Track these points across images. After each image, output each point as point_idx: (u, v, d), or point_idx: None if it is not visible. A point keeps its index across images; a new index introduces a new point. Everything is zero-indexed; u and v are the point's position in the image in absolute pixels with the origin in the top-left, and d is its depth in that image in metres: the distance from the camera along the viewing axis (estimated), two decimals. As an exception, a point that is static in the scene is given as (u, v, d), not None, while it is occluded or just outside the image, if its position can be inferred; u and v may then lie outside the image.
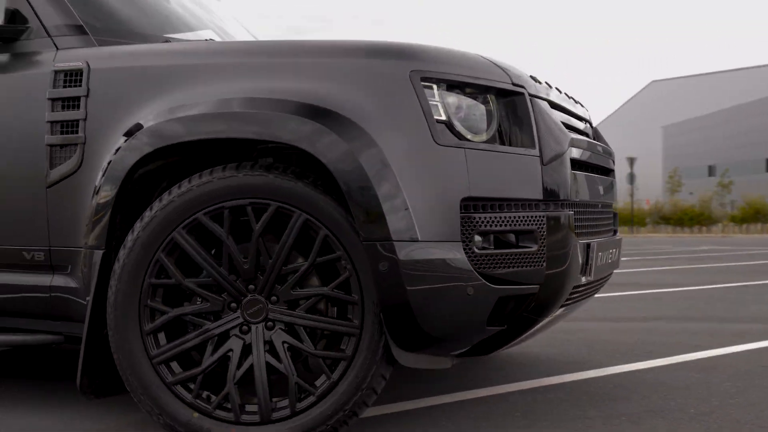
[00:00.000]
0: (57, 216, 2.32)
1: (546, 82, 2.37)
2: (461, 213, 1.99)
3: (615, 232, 2.84)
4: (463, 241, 1.98)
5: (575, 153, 2.26)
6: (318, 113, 2.02)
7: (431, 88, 2.06)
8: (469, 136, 2.06)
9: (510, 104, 2.14)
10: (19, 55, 2.48)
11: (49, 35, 2.46)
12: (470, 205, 2.01)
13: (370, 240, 1.96)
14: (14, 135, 2.42)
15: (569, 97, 2.61)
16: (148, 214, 2.11)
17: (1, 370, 3.37)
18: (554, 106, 2.30)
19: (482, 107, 2.12)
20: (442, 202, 1.99)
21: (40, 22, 2.47)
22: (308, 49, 2.20)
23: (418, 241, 1.96)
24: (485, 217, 2.00)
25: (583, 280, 2.27)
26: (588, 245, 2.27)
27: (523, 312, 2.10)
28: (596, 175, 2.51)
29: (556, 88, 2.46)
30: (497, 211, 2.03)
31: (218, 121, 2.09)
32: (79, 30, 2.46)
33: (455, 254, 1.97)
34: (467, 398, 2.79)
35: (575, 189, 2.23)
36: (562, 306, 2.23)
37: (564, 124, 2.29)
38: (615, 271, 2.80)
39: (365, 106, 2.04)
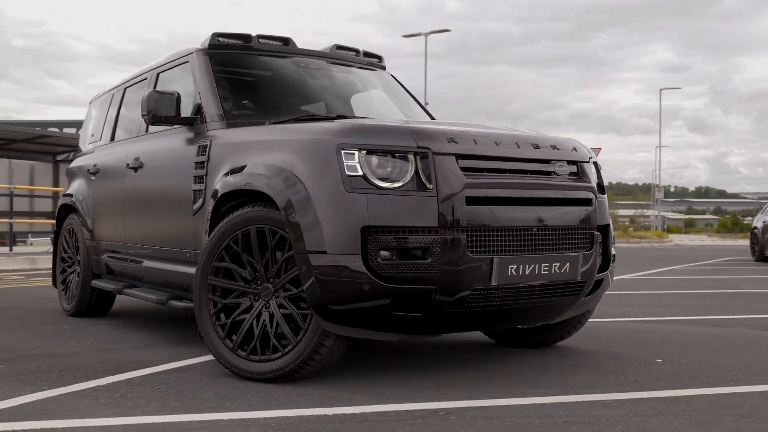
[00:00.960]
0: (196, 232, 3.98)
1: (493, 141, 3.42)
2: (362, 236, 3.06)
3: (590, 248, 3.60)
4: (362, 254, 3.06)
5: (481, 192, 3.24)
6: (279, 173, 3.33)
7: (353, 153, 3.17)
8: (381, 184, 3.13)
9: (419, 160, 3.18)
10: (193, 133, 4.19)
11: (204, 121, 4.15)
12: (371, 230, 3.08)
13: (296, 251, 3.20)
14: (184, 183, 4.11)
15: (534, 146, 3.54)
16: (216, 228, 3.57)
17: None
18: (468, 156, 3.29)
19: (394, 163, 3.18)
20: (347, 229, 3.09)
21: (204, 113, 4.17)
22: (292, 132, 3.53)
23: (326, 253, 3.09)
24: (385, 239, 3.08)
25: (493, 283, 3.19)
26: (492, 259, 3.18)
27: (431, 304, 3.12)
28: (532, 206, 3.40)
29: (496, 141, 3.43)
30: (396, 234, 3.09)
31: (244, 177, 3.54)
32: (219, 117, 4.09)
33: (354, 262, 3.07)
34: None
35: (477, 217, 3.19)
36: (479, 303, 3.24)
37: (485, 169, 3.31)
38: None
39: (308, 168, 3.24)
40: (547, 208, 3.46)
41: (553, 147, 3.63)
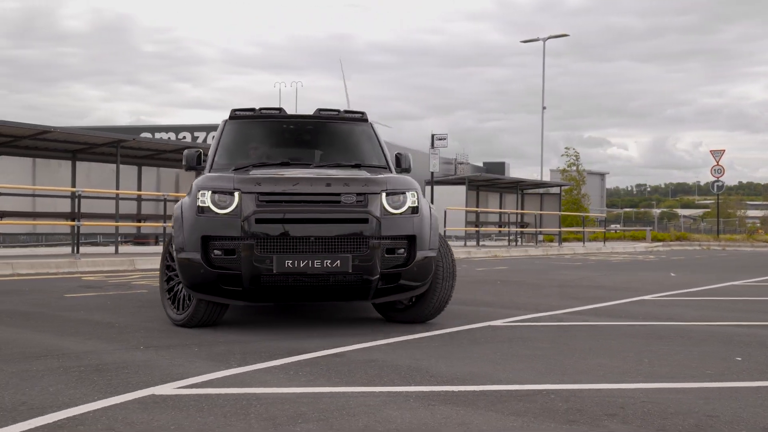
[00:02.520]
0: None
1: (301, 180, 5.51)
2: (201, 241, 5.26)
3: (364, 251, 5.26)
4: (200, 251, 5.26)
5: (266, 215, 5.24)
6: (178, 206, 5.73)
7: (205, 193, 5.39)
8: (218, 211, 5.31)
9: (237, 196, 5.33)
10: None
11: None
12: (206, 238, 5.28)
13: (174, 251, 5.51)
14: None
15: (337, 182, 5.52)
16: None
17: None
18: (267, 193, 5.34)
19: (228, 198, 5.34)
20: (195, 236, 5.30)
21: (204, 162, 6.50)
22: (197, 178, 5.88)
23: (183, 250, 5.34)
24: (213, 243, 5.25)
25: (275, 271, 5.14)
26: (272, 256, 5.15)
27: (241, 282, 5.21)
28: (308, 224, 5.26)
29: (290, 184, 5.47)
30: (218, 240, 5.24)
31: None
32: (210, 165, 6.38)
33: (195, 256, 5.27)
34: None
35: (263, 231, 5.21)
36: (271, 283, 5.23)
37: (280, 201, 5.34)
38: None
39: (186, 201, 5.62)
40: (324, 225, 5.28)
41: (345, 184, 5.45)
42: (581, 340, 5.28)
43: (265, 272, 5.16)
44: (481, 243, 26.26)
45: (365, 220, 5.31)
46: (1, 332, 5.34)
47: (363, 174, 5.74)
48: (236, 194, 5.31)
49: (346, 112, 6.95)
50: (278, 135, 6.94)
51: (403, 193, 5.53)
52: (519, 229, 27.90)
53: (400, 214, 5.45)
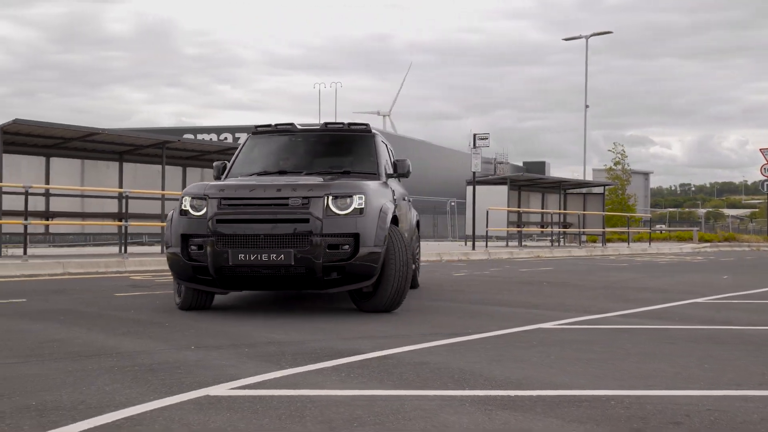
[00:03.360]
0: None
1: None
2: (181, 239, 6.36)
3: (304, 246, 6.12)
4: (180, 247, 6.36)
5: (224, 216, 6.26)
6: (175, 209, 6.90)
7: (186, 198, 6.49)
8: (194, 213, 6.37)
9: (207, 201, 6.38)
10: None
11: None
12: (185, 236, 6.37)
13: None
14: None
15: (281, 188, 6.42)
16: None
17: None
18: (227, 198, 6.34)
19: (202, 202, 6.38)
20: (177, 234, 6.41)
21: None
22: None
23: (170, 246, 6.48)
24: (190, 240, 6.33)
25: (230, 263, 6.14)
26: (228, 251, 6.12)
27: (209, 273, 6.24)
28: (258, 223, 6.19)
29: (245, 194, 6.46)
30: (192, 238, 6.33)
31: None
32: (224, 173, 7.70)
33: (177, 251, 6.37)
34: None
35: (221, 230, 6.21)
36: (230, 273, 6.25)
37: (238, 204, 6.32)
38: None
39: (176, 205, 6.76)
40: (270, 224, 6.16)
41: (293, 189, 6.29)
42: (636, 343, 5.16)
43: (224, 264, 6.15)
44: (522, 243, 26.01)
45: (306, 220, 6.14)
46: (56, 331, 5.41)
47: (314, 180, 6.62)
48: (206, 199, 6.36)
49: (351, 124, 7.99)
50: (287, 147, 7.99)
51: (350, 196, 6.27)
52: (562, 230, 27.58)
53: (345, 214, 6.20)
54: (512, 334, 5.52)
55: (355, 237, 6.15)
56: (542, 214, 27.07)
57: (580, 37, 33.32)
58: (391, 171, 7.84)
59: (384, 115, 75.65)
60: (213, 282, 6.34)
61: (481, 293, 8.90)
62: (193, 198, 6.44)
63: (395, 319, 6.32)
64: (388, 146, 8.78)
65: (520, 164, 73.66)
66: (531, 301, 7.97)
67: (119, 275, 11.21)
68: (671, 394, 3.62)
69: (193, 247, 6.29)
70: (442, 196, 37.07)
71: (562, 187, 27.59)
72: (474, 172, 20.01)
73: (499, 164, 67.13)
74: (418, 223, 9.93)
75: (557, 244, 27.26)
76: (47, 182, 14.47)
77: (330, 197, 6.22)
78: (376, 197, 6.46)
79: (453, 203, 34.39)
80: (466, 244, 23.61)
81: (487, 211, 20.78)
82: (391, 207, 6.61)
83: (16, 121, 12.34)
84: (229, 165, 7.79)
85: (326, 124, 7.99)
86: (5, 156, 13.47)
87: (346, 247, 6.13)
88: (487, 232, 21.60)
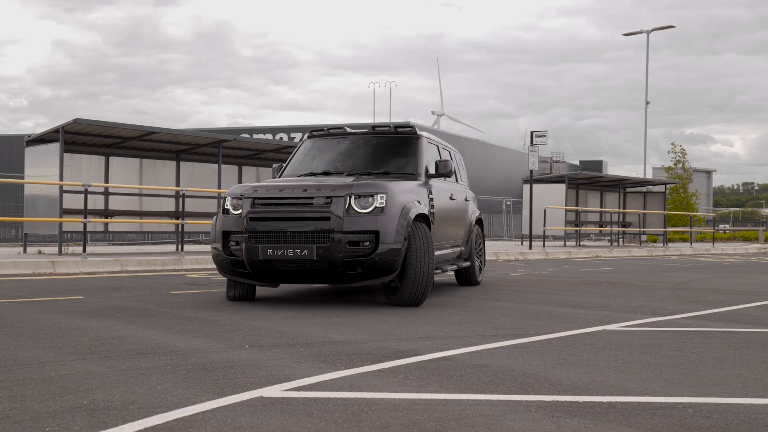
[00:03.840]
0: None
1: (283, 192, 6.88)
2: (222, 235, 6.93)
3: (326, 242, 6.53)
4: (222, 243, 6.92)
5: (257, 214, 6.75)
6: None
7: (228, 199, 7.09)
8: (233, 212, 6.94)
9: (243, 201, 6.91)
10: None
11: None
12: (225, 233, 6.91)
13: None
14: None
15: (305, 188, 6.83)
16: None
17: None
18: (259, 197, 6.83)
19: (237, 203, 6.94)
20: (219, 231, 6.98)
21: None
22: None
23: (214, 242, 7.07)
24: (230, 237, 6.87)
25: (261, 258, 6.65)
26: (259, 246, 6.65)
27: (245, 266, 6.79)
28: (285, 221, 6.64)
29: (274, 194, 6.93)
30: (231, 234, 6.87)
31: None
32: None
33: (219, 246, 6.95)
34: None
35: (254, 227, 6.72)
36: (263, 267, 6.76)
37: (269, 204, 6.80)
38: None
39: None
40: (296, 222, 6.60)
41: (318, 189, 6.67)
42: (710, 348, 4.87)
43: (256, 258, 6.65)
44: (581, 243, 25.50)
45: (327, 218, 6.52)
46: (111, 328, 5.39)
47: (340, 181, 6.91)
48: (242, 199, 6.85)
49: (397, 127, 8.32)
50: (336, 149, 8.34)
51: (372, 195, 6.59)
52: (621, 229, 26.93)
53: (367, 213, 6.52)
54: (576, 336, 5.29)
55: (375, 234, 6.49)
56: (600, 213, 26.47)
57: (640, 32, 32.48)
58: (433, 171, 7.98)
59: (439, 115, 75.31)
60: (249, 275, 6.87)
61: (541, 293, 8.64)
62: (232, 198, 6.97)
63: (454, 319, 6.14)
64: (441, 147, 8.94)
65: (577, 163, 72.43)
66: (594, 302, 7.69)
67: (176, 273, 11.28)
68: (753, 403, 3.37)
69: (232, 243, 6.82)
70: (498, 195, 36.64)
71: (621, 185, 26.92)
72: (531, 171, 19.64)
73: (555, 163, 66.13)
74: (480, 221, 9.94)
75: (616, 244, 26.61)
76: (106, 181, 14.70)
77: (352, 197, 6.56)
78: (399, 196, 6.74)
79: (509, 202, 33.93)
80: (522, 244, 23.21)
81: (545, 210, 20.37)
82: (416, 205, 6.90)
83: (76, 121, 12.54)
84: (284, 166, 8.41)
85: (374, 127, 8.35)
86: (66, 156, 13.72)
87: (367, 243, 6.48)
88: (544, 231, 21.19)
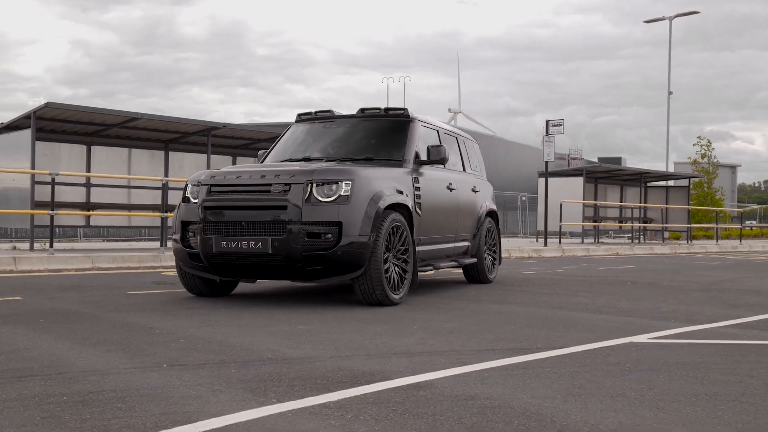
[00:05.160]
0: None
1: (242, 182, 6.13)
2: (181, 226, 6.33)
3: (281, 233, 5.82)
4: (180, 234, 6.34)
5: (211, 203, 6.10)
6: None
7: (188, 186, 6.47)
8: (192, 201, 6.31)
9: (199, 188, 6.29)
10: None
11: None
12: (185, 223, 6.31)
13: None
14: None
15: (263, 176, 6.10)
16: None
17: None
18: (215, 185, 6.17)
19: (195, 190, 6.31)
20: (178, 221, 6.39)
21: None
22: None
23: (174, 234, 6.50)
24: (187, 227, 6.28)
25: (215, 251, 5.99)
26: (212, 237, 6.01)
27: (200, 259, 6.14)
28: (241, 210, 5.99)
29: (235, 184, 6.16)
30: (190, 225, 6.25)
31: None
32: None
33: (177, 237, 6.37)
34: None
35: (208, 216, 6.07)
36: (217, 261, 6.07)
37: (225, 191, 6.14)
38: None
39: None
40: (252, 211, 5.91)
41: (276, 176, 5.98)
42: (772, 369, 3.72)
43: (210, 251, 5.99)
44: (599, 240, 24.27)
45: (284, 207, 5.80)
46: (14, 338, 4.34)
47: (302, 166, 6.13)
48: (200, 186, 6.20)
49: (389, 110, 7.37)
50: (323, 134, 7.54)
51: (336, 182, 5.85)
52: (642, 225, 25.64)
53: (329, 202, 5.79)
54: (596, 352, 4.15)
55: (338, 225, 5.79)
56: (621, 208, 25.18)
57: (662, 19, 31.07)
58: (424, 158, 7.08)
59: (455, 113, 74.12)
60: (206, 268, 6.20)
61: (555, 294, 7.50)
62: (192, 185, 6.36)
63: (445, 327, 5.02)
64: (443, 132, 8.07)
65: (595, 160, 70.94)
66: (616, 305, 6.53)
67: (151, 270, 10.23)
68: None
69: (190, 234, 6.23)
70: (514, 191, 35.41)
71: (643, 179, 25.59)
72: (546, 162, 18.43)
73: (572, 160, 64.81)
74: (493, 213, 9.02)
75: (637, 241, 25.31)
76: (88, 171, 13.66)
77: (314, 184, 5.87)
78: (370, 183, 6.01)
79: (524, 198, 32.69)
80: (537, 241, 22.00)
81: (561, 205, 19.13)
82: (392, 194, 6.19)
83: (48, 105, 11.51)
84: (267, 152, 7.71)
85: (363, 110, 7.48)
86: (42, 144, 12.71)
87: (329, 236, 5.76)
88: (560, 227, 19.94)
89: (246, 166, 6.69)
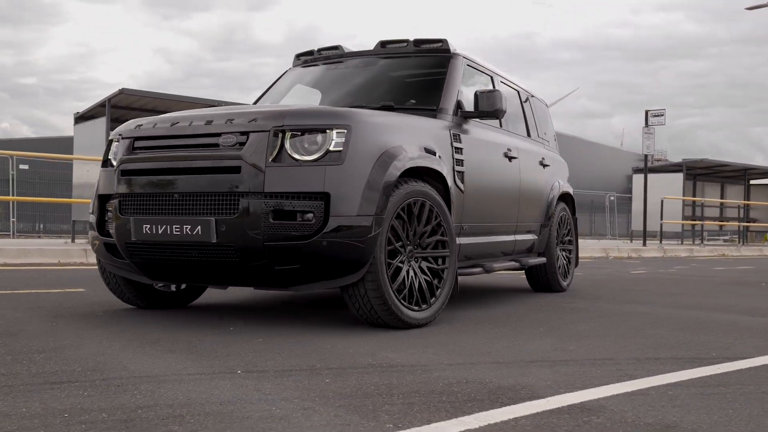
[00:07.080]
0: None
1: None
2: (98, 201, 4.31)
3: (232, 212, 3.63)
4: (96, 214, 4.32)
5: (132, 166, 4.00)
6: None
7: (112, 141, 4.28)
8: (114, 163, 4.16)
9: (116, 143, 4.26)
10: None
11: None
12: (102, 197, 4.28)
13: None
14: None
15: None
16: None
17: None
18: (142, 137, 4.04)
19: (122, 145, 4.13)
20: (95, 195, 4.39)
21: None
22: None
23: (90, 214, 4.42)
24: (104, 204, 4.25)
25: (133, 239, 3.87)
26: (130, 219, 3.89)
27: (120, 253, 4.14)
28: (173, 175, 3.83)
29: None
30: (106, 200, 4.23)
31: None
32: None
33: (93, 219, 4.35)
34: None
35: (127, 187, 4.00)
36: (136, 255, 4.00)
37: (152, 147, 4.01)
38: None
39: None
40: (189, 176, 3.75)
41: (228, 121, 3.75)
42: None
43: (128, 239, 3.92)
44: (702, 241, 22.65)
45: (237, 169, 3.63)
46: (58, 331, 3.61)
47: (269, 108, 4.00)
48: (122, 141, 4.10)
49: (420, 41, 5.20)
50: (325, 79, 5.57)
51: (323, 131, 3.66)
52: (746, 224, 23.84)
53: (311, 161, 3.61)
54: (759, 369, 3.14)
55: (324, 198, 3.57)
56: (721, 207, 23.49)
57: (765, 6, 29.03)
58: (470, 109, 4.87)
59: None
60: (132, 267, 4.11)
61: (684, 295, 6.43)
62: (114, 141, 4.21)
63: (579, 329, 4.07)
64: (498, 80, 5.76)
65: (679, 162, 68.12)
66: (764, 308, 5.45)
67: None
68: None
69: (108, 214, 4.09)
70: (599, 191, 33.82)
71: (747, 176, 23.79)
72: (645, 156, 17.09)
73: (657, 161, 62.41)
74: (568, 197, 6.73)
75: (742, 242, 23.54)
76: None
77: (286, 133, 3.63)
78: (378, 135, 3.84)
79: (612, 197, 31.10)
80: (632, 242, 20.61)
81: (662, 201, 17.77)
82: (414, 153, 4.00)
83: (122, 91, 11.07)
84: (253, 103, 5.75)
85: (384, 43, 5.30)
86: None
87: (309, 215, 3.54)
88: (661, 225, 18.54)
89: (182, 112, 4.23)
